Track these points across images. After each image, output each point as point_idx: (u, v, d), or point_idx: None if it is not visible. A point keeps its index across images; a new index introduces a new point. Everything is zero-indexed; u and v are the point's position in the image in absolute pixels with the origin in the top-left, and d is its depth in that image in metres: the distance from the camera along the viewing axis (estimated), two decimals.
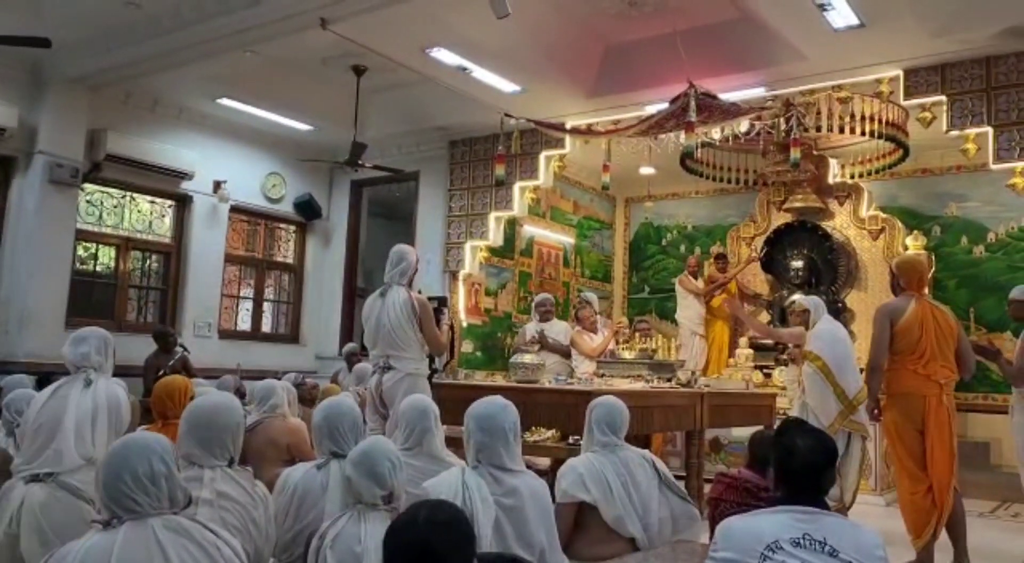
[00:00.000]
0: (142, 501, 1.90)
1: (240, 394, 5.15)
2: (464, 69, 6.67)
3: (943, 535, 4.24)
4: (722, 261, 8.86)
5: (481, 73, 6.77)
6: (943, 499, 4.12)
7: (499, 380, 5.73)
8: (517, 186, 8.28)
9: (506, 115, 6.85)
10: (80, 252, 7.85)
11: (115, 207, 8.10)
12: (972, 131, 6.13)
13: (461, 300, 8.53)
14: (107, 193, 8.01)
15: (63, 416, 3.16)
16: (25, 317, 7.04)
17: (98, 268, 8.10)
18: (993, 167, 6.13)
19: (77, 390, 3.28)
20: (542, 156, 8.14)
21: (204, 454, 2.65)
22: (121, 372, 5.86)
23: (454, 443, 3.72)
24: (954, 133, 6.21)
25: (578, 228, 10.16)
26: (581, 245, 10.21)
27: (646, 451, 3.46)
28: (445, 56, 6.46)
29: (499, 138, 7.05)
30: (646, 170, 8.96)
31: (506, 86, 7.02)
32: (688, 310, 8.60)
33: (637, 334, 6.85)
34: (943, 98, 6.18)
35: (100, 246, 8.06)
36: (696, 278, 8.76)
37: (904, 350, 4.24)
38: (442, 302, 5.09)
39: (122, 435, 3.16)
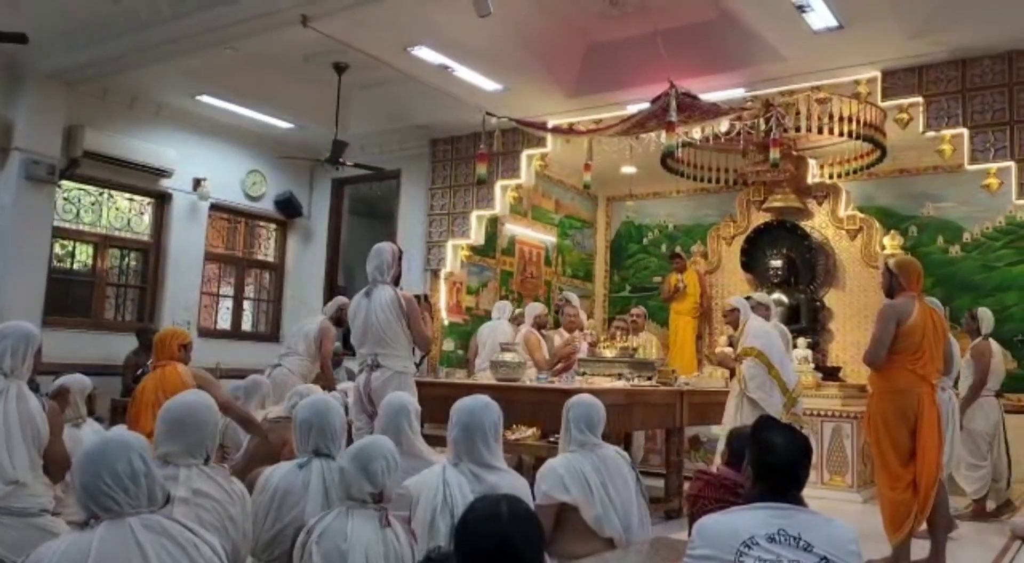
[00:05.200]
0: (121, 500, 1.87)
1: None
2: (446, 67, 6.65)
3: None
4: (679, 261, 9.04)
5: (463, 71, 6.76)
6: (928, 495, 4.17)
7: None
8: (499, 185, 8.28)
9: (488, 114, 6.87)
10: (57, 250, 7.74)
11: (93, 204, 8.01)
12: (948, 132, 6.22)
13: (443, 299, 8.53)
14: (85, 190, 7.91)
15: None
16: (1, 316, 6.95)
17: (75, 266, 8.01)
18: (968, 168, 6.22)
19: None
20: (524, 155, 8.15)
21: (182, 453, 2.64)
22: (99, 371, 5.85)
23: (437, 442, 3.72)
24: (930, 134, 6.29)
25: (560, 227, 10.18)
26: (563, 244, 10.23)
27: (620, 448, 3.48)
28: (427, 54, 6.44)
29: (481, 137, 7.06)
30: (627, 169, 9.00)
31: (488, 85, 7.01)
32: None
33: (618, 332, 6.89)
34: (920, 99, 6.25)
35: (77, 244, 7.97)
36: None
37: (905, 350, 4.26)
38: (425, 297, 5.13)
39: (41, 449, 3.09)
